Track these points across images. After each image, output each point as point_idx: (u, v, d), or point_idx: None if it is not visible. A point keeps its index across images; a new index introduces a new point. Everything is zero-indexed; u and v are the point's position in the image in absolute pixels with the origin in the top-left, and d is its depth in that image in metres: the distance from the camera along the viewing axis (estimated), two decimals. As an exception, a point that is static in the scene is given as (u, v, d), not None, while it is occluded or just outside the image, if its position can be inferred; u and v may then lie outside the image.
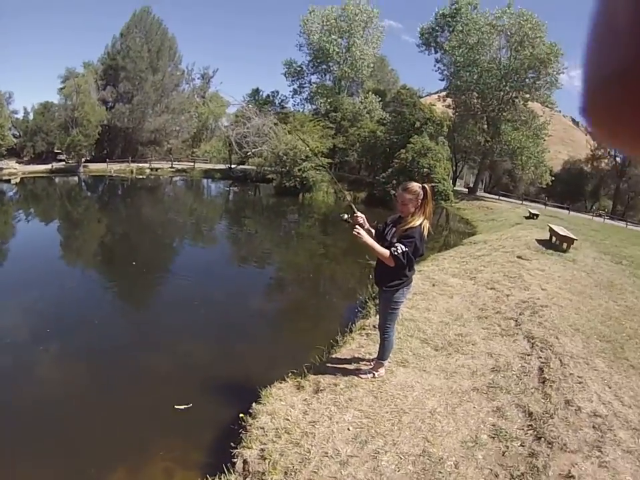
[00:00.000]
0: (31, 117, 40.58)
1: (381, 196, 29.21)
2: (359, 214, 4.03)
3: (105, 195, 30.11)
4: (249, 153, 36.09)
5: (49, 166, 36.60)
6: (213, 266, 12.32)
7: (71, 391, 5.36)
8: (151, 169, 41.45)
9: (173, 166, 44.18)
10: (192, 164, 46.01)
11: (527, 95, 40.17)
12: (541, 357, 5.05)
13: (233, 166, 42.01)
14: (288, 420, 3.85)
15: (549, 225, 15.83)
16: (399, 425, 3.71)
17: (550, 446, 3.43)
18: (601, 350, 5.53)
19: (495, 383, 4.47)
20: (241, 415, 4.19)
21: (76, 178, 35.25)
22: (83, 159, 37.74)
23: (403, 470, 3.18)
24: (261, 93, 48.84)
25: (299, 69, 46.74)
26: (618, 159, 54.71)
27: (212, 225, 20.87)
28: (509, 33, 38.16)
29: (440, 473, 3.13)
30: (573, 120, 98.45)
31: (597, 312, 7.16)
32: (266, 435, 3.69)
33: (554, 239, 13.94)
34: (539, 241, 14.20)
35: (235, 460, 3.56)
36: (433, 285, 8.19)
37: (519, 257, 11.20)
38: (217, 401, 5.17)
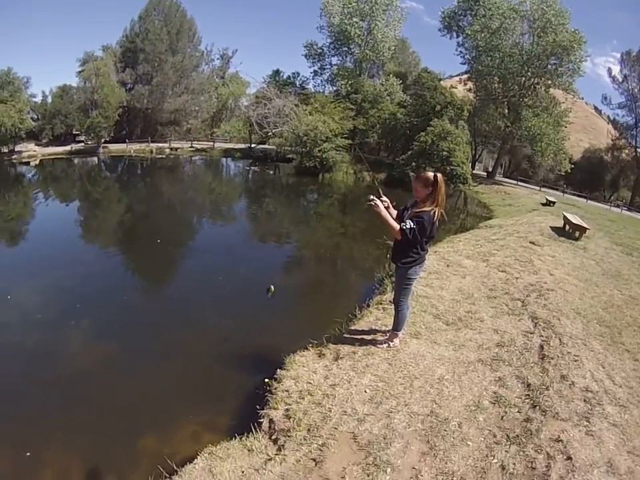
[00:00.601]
0: (49, 100, 40.61)
1: (400, 177, 29.11)
2: (384, 198, 4.46)
3: (124, 174, 30.31)
4: (269, 133, 36.01)
5: (67, 147, 36.74)
6: (234, 243, 12.64)
7: (103, 363, 5.70)
8: (171, 149, 41.46)
9: (193, 145, 44.13)
10: (212, 143, 45.97)
11: (549, 82, 39.48)
12: (542, 336, 5.48)
13: (253, 145, 42.00)
14: (310, 383, 4.31)
15: (564, 213, 15.92)
16: (410, 388, 4.18)
17: (544, 414, 3.87)
18: (599, 333, 5.90)
19: (499, 356, 4.92)
20: (266, 380, 4.64)
21: (95, 158, 35.49)
22: (102, 140, 37.94)
23: (413, 427, 3.65)
24: (281, 74, 48.63)
25: (319, 50, 46.23)
26: (639, 150, 53.74)
27: (232, 204, 21.09)
28: (531, 19, 37.47)
29: (445, 431, 3.60)
30: (596, 108, 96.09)
31: (600, 299, 7.46)
32: (290, 396, 4.15)
33: (567, 227, 14.10)
34: (552, 228, 14.38)
35: (262, 420, 3.99)
36: (447, 266, 8.63)
37: (531, 243, 11.46)
38: (242, 369, 5.58)
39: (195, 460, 3.53)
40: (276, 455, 3.49)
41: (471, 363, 4.76)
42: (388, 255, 9.21)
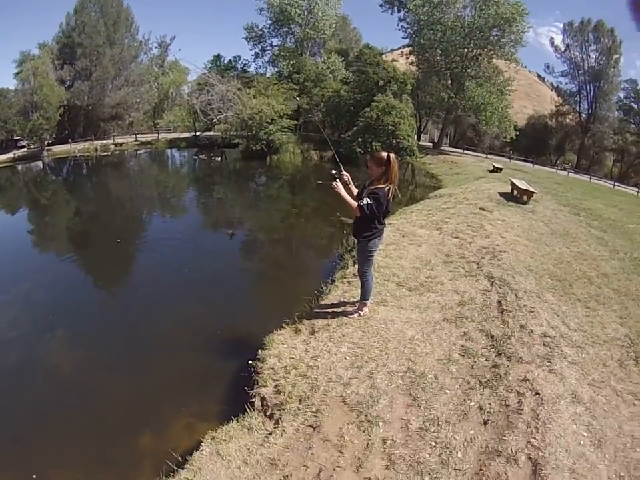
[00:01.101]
0: None
1: (347, 154, 29.10)
2: (345, 173, 4.82)
3: (70, 176, 28.98)
4: (214, 120, 35.57)
5: (10, 155, 34.91)
6: (190, 235, 12.49)
7: (86, 370, 5.68)
8: (115, 145, 40.18)
9: (137, 139, 42.99)
10: (156, 135, 44.92)
11: (491, 53, 40.43)
12: (499, 292, 5.96)
13: (198, 133, 41.29)
14: (293, 358, 4.58)
15: (511, 178, 16.61)
16: (386, 350, 4.53)
17: (509, 359, 4.30)
18: (551, 287, 6.42)
19: (462, 314, 5.36)
20: (250, 361, 4.85)
21: (40, 163, 33.93)
22: (46, 143, 36.22)
23: (395, 384, 4.00)
24: (222, 59, 48.17)
25: (260, 32, 45.76)
26: (583, 115, 56.11)
27: (182, 195, 20.63)
28: (473, -8, 37.94)
29: (424, 383, 3.98)
30: (539, 75, 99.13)
31: (550, 256, 8.02)
32: (276, 373, 4.41)
33: (515, 192, 14.73)
34: (501, 194, 15.01)
35: (254, 399, 4.22)
36: (403, 236, 9.05)
37: (481, 209, 12.01)
38: (222, 355, 5.76)
39: (200, 446, 3.69)
40: (275, 428, 3.73)
41: (437, 322, 5.16)
42: (344, 231, 9.60)
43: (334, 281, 7.00)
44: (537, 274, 6.90)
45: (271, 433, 3.68)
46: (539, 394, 3.74)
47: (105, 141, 40.51)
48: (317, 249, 11.71)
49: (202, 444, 3.73)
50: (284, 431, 3.65)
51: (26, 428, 4.64)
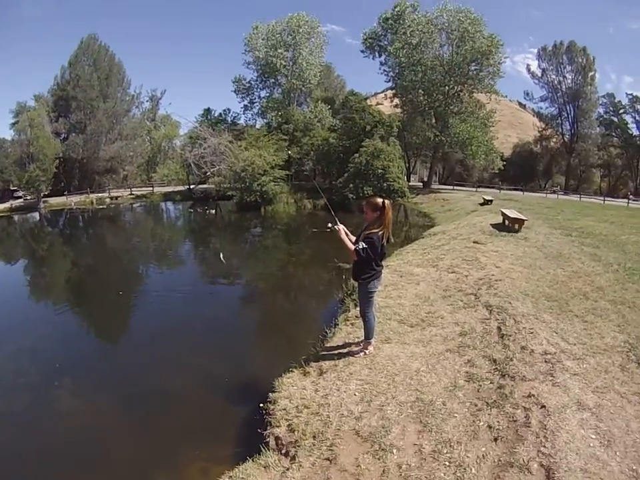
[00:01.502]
0: None
1: (340, 200, 29.99)
2: (341, 226, 5.08)
3: (68, 229, 29.29)
4: (207, 173, 36.24)
5: (7, 204, 35.76)
6: (189, 287, 12.50)
7: (96, 418, 5.73)
8: (111, 198, 40.91)
9: (132, 192, 43.68)
10: (151, 188, 45.63)
11: (471, 87, 41.69)
12: (498, 319, 6.15)
13: (192, 186, 41.95)
14: (304, 399, 4.70)
15: (501, 209, 17.00)
16: (393, 384, 4.67)
17: (513, 379, 4.46)
18: (548, 307, 6.61)
19: (464, 343, 5.53)
20: (261, 404, 4.98)
21: (37, 214, 34.33)
22: (42, 194, 36.80)
23: (405, 413, 4.13)
24: (212, 112, 49.39)
25: (248, 85, 47.36)
26: (566, 137, 57.47)
27: (178, 248, 20.82)
28: (449, 30, 39.79)
29: (433, 410, 4.11)
30: (520, 103, 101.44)
31: (545, 279, 8.23)
32: (289, 413, 4.52)
33: (506, 221, 15.07)
34: (493, 225, 15.36)
35: (268, 439, 4.33)
36: (401, 276, 9.27)
37: (475, 242, 12.29)
38: (232, 401, 5.88)
39: None
40: (291, 464, 3.82)
41: (441, 353, 5.32)
42: (343, 276, 9.83)
43: (337, 324, 7.15)
44: (533, 297, 7.09)
45: (287, 469, 3.77)
46: (544, 406, 3.89)
47: (100, 194, 41.36)
48: (317, 295, 11.82)
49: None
50: (300, 465, 3.74)
51: (36, 473, 4.71)
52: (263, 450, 4.16)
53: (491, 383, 4.49)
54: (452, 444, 3.62)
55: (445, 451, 3.55)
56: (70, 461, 4.88)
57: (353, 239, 5.15)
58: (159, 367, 7.16)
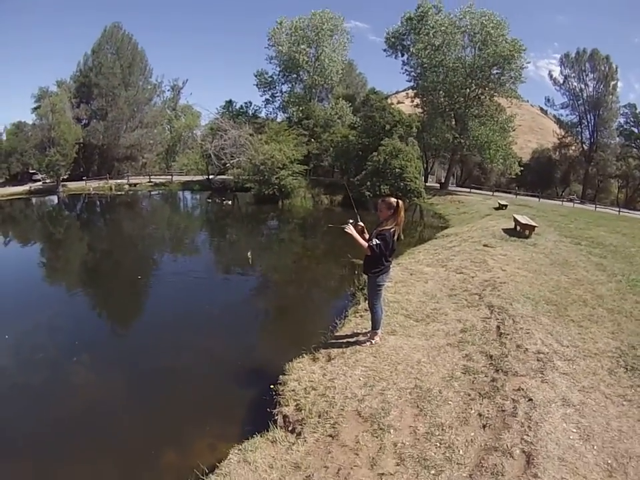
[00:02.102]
0: (4, 137, 40.22)
1: (356, 198, 29.97)
2: (360, 222, 5.44)
3: (88, 213, 29.66)
4: (227, 164, 36.64)
5: (26, 187, 36.21)
6: (207, 273, 12.97)
7: (112, 393, 6.02)
8: (130, 185, 41.31)
9: (151, 180, 44.06)
10: (170, 177, 46.10)
11: (492, 91, 41.43)
12: (498, 319, 6.50)
13: (211, 177, 42.38)
14: (312, 381, 5.08)
15: (514, 215, 17.09)
16: (395, 372, 5.05)
17: (505, 374, 4.81)
18: (547, 311, 6.90)
19: (464, 339, 5.89)
20: (271, 386, 5.35)
21: (55, 198, 34.76)
22: (61, 178, 37.44)
23: (404, 398, 4.50)
24: (234, 104, 49.67)
25: (270, 79, 47.64)
26: (585, 145, 56.91)
27: (196, 236, 21.10)
28: (472, 33, 39.53)
29: (429, 397, 4.47)
30: (541, 109, 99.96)
31: (548, 284, 8.49)
32: (297, 394, 4.90)
33: (518, 227, 15.24)
34: (504, 230, 15.55)
35: (276, 417, 4.71)
36: (411, 274, 9.66)
37: (485, 245, 12.55)
38: (243, 383, 6.19)
39: (229, 456, 4.13)
40: (297, 439, 4.20)
41: (442, 347, 5.68)
42: (355, 272, 10.18)
43: (347, 315, 7.54)
44: (533, 300, 7.39)
45: (293, 444, 4.14)
46: (531, 400, 4.24)
47: (119, 181, 41.73)
48: (329, 288, 12.16)
49: (230, 453, 4.17)
50: (305, 440, 4.13)
51: (53, 444, 4.99)
52: (271, 427, 4.51)
53: (485, 376, 4.83)
54: (444, 428, 3.97)
55: (437, 433, 3.90)
56: (85, 433, 5.15)
57: (367, 236, 5.49)
58: (173, 349, 7.38)
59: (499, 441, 3.73)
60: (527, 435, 3.74)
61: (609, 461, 3.50)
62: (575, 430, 3.85)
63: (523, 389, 4.45)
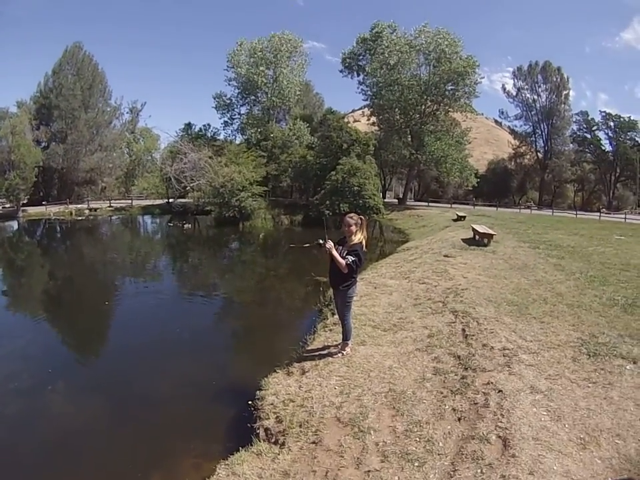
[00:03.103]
0: None
1: (316, 216, 30.55)
2: (329, 241, 5.57)
3: (47, 239, 28.71)
4: (187, 188, 36.48)
5: None
6: (171, 298, 12.83)
7: (90, 419, 5.85)
8: (90, 210, 40.35)
9: (111, 205, 43.25)
10: (130, 201, 45.37)
11: (447, 107, 42.92)
12: (462, 322, 6.80)
13: (171, 200, 41.98)
14: (289, 394, 5.20)
15: (472, 225, 17.77)
16: (369, 378, 5.23)
17: (474, 371, 5.06)
18: (509, 311, 7.25)
19: (431, 343, 6.14)
20: (249, 402, 5.43)
21: (15, 223, 33.63)
22: (21, 203, 36.28)
23: (380, 402, 4.68)
24: (193, 127, 49.49)
25: (228, 101, 47.96)
26: (540, 154, 59.25)
27: (159, 261, 20.85)
28: (427, 51, 40.75)
29: (404, 398, 4.67)
30: (496, 121, 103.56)
31: (508, 287, 8.89)
32: (276, 407, 5.01)
33: (477, 236, 15.80)
34: (464, 240, 16.09)
35: (258, 431, 4.80)
36: (375, 288, 9.92)
37: (445, 256, 12.93)
38: (220, 402, 6.20)
39: (217, 471, 4.19)
40: (281, 449, 4.31)
41: (411, 352, 5.93)
42: (320, 288, 10.33)
43: (316, 330, 7.70)
44: (495, 303, 7.75)
45: (278, 454, 4.24)
46: (501, 391, 4.49)
47: (79, 205, 40.80)
48: (295, 306, 12.22)
49: (217, 469, 4.22)
50: (290, 449, 4.24)
51: (33, 474, 4.84)
52: (254, 440, 4.59)
53: (455, 375, 5.07)
54: (422, 424, 4.17)
55: (416, 430, 4.09)
56: (66, 461, 5.06)
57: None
58: (147, 373, 7.35)
59: (475, 430, 3.95)
60: (501, 422, 3.98)
61: (582, 436, 3.78)
62: (545, 413, 4.12)
63: (492, 383, 4.70)
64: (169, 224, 34.48)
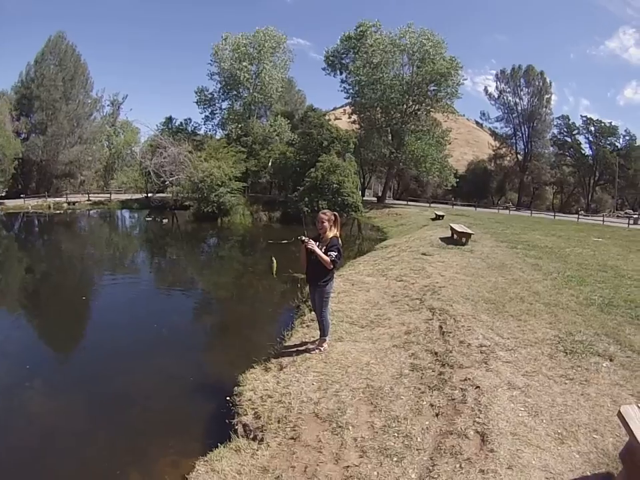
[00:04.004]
0: None
1: (295, 213, 30.77)
2: (310, 239, 5.57)
3: (25, 233, 28.22)
4: (166, 182, 36.16)
5: None
6: (149, 293, 12.81)
7: (67, 417, 5.72)
8: (68, 203, 39.73)
9: (90, 199, 42.67)
10: (108, 195, 44.82)
11: (429, 107, 43.40)
12: (440, 319, 6.85)
13: (150, 195, 41.60)
14: (267, 390, 5.17)
15: (450, 224, 17.87)
16: (346, 374, 5.24)
17: (452, 367, 5.11)
18: (486, 309, 7.33)
19: (409, 340, 6.20)
20: (227, 398, 5.39)
21: None
22: None
23: (357, 397, 4.69)
24: (174, 121, 49.21)
25: (210, 96, 47.72)
26: (520, 156, 60.19)
27: (136, 256, 20.68)
28: (411, 51, 41.23)
29: (382, 394, 4.69)
30: (477, 122, 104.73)
31: (485, 286, 8.96)
32: (254, 403, 4.98)
33: (454, 235, 15.92)
34: (441, 239, 16.19)
35: (236, 427, 4.76)
36: (352, 285, 9.95)
37: (423, 254, 13.00)
38: (198, 398, 6.13)
39: (196, 467, 4.16)
40: (260, 445, 4.28)
41: (388, 349, 5.96)
42: (298, 285, 10.32)
43: (294, 327, 7.69)
44: (472, 301, 7.82)
45: (257, 450, 4.21)
46: (479, 387, 4.54)
47: (58, 199, 40.15)
48: (273, 302, 12.19)
49: (195, 465, 4.19)
50: (268, 445, 4.21)
51: (6, 474, 4.68)
52: (233, 437, 4.57)
53: (432, 371, 5.11)
54: (399, 420, 4.19)
55: (394, 425, 4.11)
56: (44, 460, 4.92)
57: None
58: (124, 369, 7.23)
59: (453, 426, 3.98)
60: (479, 418, 4.03)
61: (559, 431, 3.83)
62: (522, 409, 4.18)
63: (469, 379, 4.75)
64: (147, 218, 34.21)
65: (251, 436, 4.53)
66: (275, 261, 7.07)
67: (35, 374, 7.01)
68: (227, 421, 4.98)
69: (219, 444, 4.48)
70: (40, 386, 6.64)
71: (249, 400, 5.06)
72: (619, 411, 3.08)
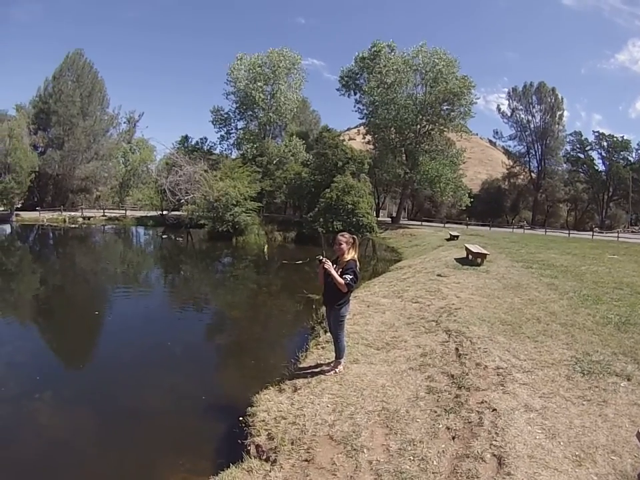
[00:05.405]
0: None
1: (310, 234, 30.87)
2: (326, 259, 5.57)
3: (39, 245, 28.57)
4: (181, 200, 36.41)
5: None
6: (163, 311, 12.82)
7: (78, 430, 5.74)
8: (84, 218, 40.29)
9: (105, 214, 43.20)
10: (123, 212, 45.23)
11: (442, 127, 43.26)
12: (456, 341, 6.78)
13: (165, 212, 41.82)
14: (281, 411, 5.14)
15: (465, 244, 17.80)
16: (362, 397, 5.19)
17: (468, 390, 5.05)
18: (502, 330, 7.26)
19: (425, 362, 6.13)
20: (241, 418, 5.35)
21: (8, 227, 33.41)
22: (15, 207, 36.20)
23: (373, 420, 4.64)
24: (190, 140, 49.78)
25: (225, 115, 48.23)
26: (533, 173, 59.83)
27: (151, 273, 20.73)
28: (423, 71, 41.59)
29: (397, 417, 4.64)
30: (490, 141, 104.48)
31: (502, 307, 8.89)
32: (267, 424, 4.95)
33: (470, 256, 15.80)
34: (457, 260, 16.09)
35: (249, 448, 4.72)
36: (368, 306, 9.91)
37: (438, 275, 12.94)
38: (210, 417, 6.12)
39: None
40: (273, 467, 4.24)
41: (404, 371, 5.90)
42: (313, 306, 10.28)
43: (308, 348, 7.65)
44: (489, 322, 7.74)
45: (270, 471, 4.18)
46: (495, 410, 4.49)
47: (73, 213, 40.74)
48: (287, 323, 12.12)
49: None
50: (281, 467, 4.17)
51: None
52: (245, 457, 4.52)
53: (448, 393, 5.06)
54: (415, 443, 4.14)
55: (410, 449, 4.06)
56: (50, 475, 4.90)
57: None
58: (136, 386, 7.24)
59: (470, 449, 3.93)
60: (495, 440, 3.97)
61: (577, 453, 3.77)
62: (540, 431, 4.12)
63: (486, 402, 4.70)
64: (162, 236, 34.42)
65: (264, 457, 4.49)
66: (267, 244, 7.00)
67: (45, 386, 7.03)
68: (239, 441, 4.94)
69: (230, 464, 4.45)
70: (49, 398, 6.64)
71: (263, 421, 5.02)
72: (638, 432, 3.04)
